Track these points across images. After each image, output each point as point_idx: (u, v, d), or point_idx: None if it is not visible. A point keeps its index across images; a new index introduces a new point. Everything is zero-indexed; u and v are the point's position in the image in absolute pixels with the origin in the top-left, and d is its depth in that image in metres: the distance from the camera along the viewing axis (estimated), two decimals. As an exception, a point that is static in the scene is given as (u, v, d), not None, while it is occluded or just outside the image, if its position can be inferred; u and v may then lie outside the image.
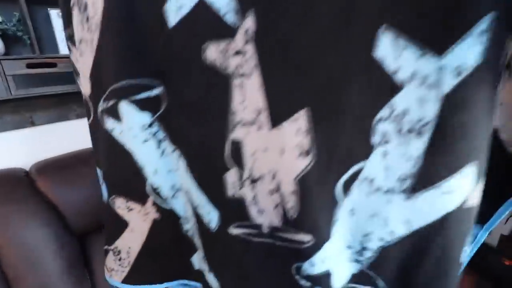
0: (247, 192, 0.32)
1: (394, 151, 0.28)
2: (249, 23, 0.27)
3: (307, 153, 0.28)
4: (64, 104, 1.24)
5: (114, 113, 0.37)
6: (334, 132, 0.28)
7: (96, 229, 1.16)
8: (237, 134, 0.30)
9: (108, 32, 0.34)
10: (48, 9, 1.11)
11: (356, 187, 0.30)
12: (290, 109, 0.27)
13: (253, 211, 0.33)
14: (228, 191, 0.33)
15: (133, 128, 0.37)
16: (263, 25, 0.26)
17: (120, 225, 0.44)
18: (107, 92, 0.36)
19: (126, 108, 0.36)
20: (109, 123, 0.39)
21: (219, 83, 0.29)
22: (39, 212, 1.00)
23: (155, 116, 0.36)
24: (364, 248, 0.33)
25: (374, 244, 0.32)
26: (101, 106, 0.39)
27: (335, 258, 0.33)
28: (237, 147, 0.30)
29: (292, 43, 0.26)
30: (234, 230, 0.35)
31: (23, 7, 1.04)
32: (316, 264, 0.33)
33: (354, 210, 0.31)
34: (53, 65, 1.09)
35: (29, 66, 1.04)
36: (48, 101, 1.20)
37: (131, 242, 0.45)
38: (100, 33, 0.35)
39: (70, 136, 1.26)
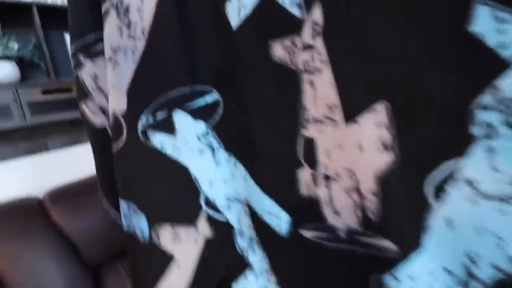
0: (321, 191, 0.30)
1: (504, 147, 0.22)
2: (316, 15, 0.25)
3: (388, 148, 0.25)
4: (78, 128, 1.22)
5: (165, 125, 0.35)
6: (419, 123, 0.24)
7: (109, 261, 1.10)
8: (309, 131, 0.28)
9: (161, 39, 0.33)
10: (64, 33, 1.10)
11: (453, 190, 0.24)
12: (366, 102, 0.25)
13: (328, 212, 0.30)
14: (301, 189, 0.31)
15: (189, 139, 0.35)
16: (331, 16, 0.25)
17: (163, 263, 0.39)
18: (155, 104, 0.35)
19: (181, 118, 0.34)
20: (158, 139, 0.35)
21: (289, 80, 0.28)
22: (53, 245, 0.95)
23: (210, 123, 0.34)
24: (471, 276, 0.26)
25: (485, 273, 0.25)
26: (145, 121, 0.35)
27: (427, 279, 0.27)
28: (309, 144, 0.29)
29: (366, 32, 0.24)
30: (307, 233, 0.32)
31: (39, 33, 1.03)
32: (402, 281, 0.27)
33: (452, 220, 0.25)
34: (69, 90, 1.07)
35: (44, 92, 1.01)
36: (63, 126, 1.17)
37: (176, 281, 0.39)
38: (149, 40, 0.33)
39: (85, 160, 1.22)
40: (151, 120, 0.35)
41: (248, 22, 0.28)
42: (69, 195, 1.06)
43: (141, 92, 0.36)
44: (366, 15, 0.24)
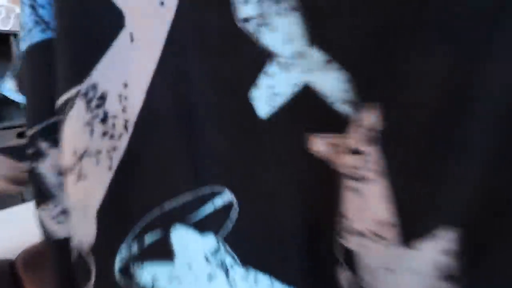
0: None
1: None
2: (371, 119, 0.23)
3: (454, 279, 0.23)
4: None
5: (159, 250, 0.29)
6: (497, 257, 0.22)
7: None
8: (349, 242, 0.26)
9: (153, 134, 0.28)
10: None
11: None
12: (429, 226, 0.23)
13: None
14: (343, 285, 0.29)
15: (193, 262, 0.29)
16: (393, 124, 0.23)
17: None
18: (143, 224, 0.29)
19: (181, 235, 0.29)
20: (147, 274, 0.29)
21: (327, 179, 0.26)
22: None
23: (222, 233, 0.30)
24: None
25: None
26: (127, 252, 0.29)
27: None
28: (349, 255, 0.27)
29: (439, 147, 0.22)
30: None
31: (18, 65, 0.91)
32: None
33: None
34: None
35: (20, 135, 0.88)
36: (42, 172, 1.04)
37: None
38: (135, 136, 0.28)
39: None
40: (136, 249, 0.29)
41: (283, 112, 0.26)
42: (46, 256, 0.91)
43: (121, 212, 0.29)
44: (435, 126, 0.22)
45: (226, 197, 0.30)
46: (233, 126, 0.28)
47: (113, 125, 0.27)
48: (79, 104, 0.27)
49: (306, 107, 0.26)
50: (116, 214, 0.30)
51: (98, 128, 0.27)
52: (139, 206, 0.29)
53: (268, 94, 0.26)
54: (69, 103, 0.27)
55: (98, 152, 0.28)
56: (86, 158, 0.28)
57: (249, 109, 0.27)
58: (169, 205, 0.29)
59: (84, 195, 0.29)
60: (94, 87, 0.27)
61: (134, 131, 0.28)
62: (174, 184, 0.29)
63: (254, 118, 0.27)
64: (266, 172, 0.29)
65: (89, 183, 0.29)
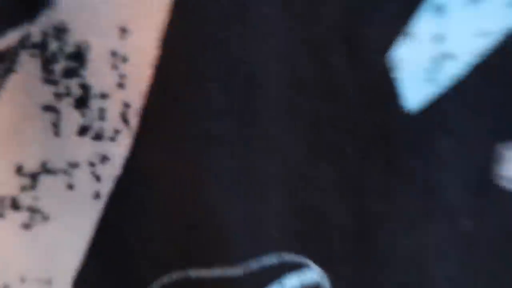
0: None
1: None
2: None
3: None
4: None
5: None
6: None
7: None
8: None
9: (181, 130, 0.18)
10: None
11: None
12: None
13: None
14: None
15: None
16: None
17: None
18: (158, 285, 0.20)
19: None
20: None
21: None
22: None
23: None
24: None
25: None
26: None
27: None
28: None
29: None
30: None
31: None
32: None
33: None
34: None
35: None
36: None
37: None
38: (141, 138, 0.18)
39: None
40: None
41: (456, 96, 0.17)
42: None
43: (119, 273, 0.20)
44: None
45: (310, 275, 0.21)
46: (338, 129, 0.19)
47: (101, 112, 0.17)
48: (27, 64, 0.15)
49: (503, 86, 0.18)
50: (110, 279, 0.20)
51: (71, 117, 0.16)
52: (150, 262, 0.20)
53: (430, 57, 0.17)
54: (3, 59, 0.15)
55: (72, 166, 0.17)
56: (45, 178, 0.17)
57: (382, 89, 0.18)
58: (198, 273, 0.19)
59: (46, 253, 0.18)
60: (59, 31, 0.15)
61: (141, 125, 0.18)
62: (210, 241, 0.20)
63: (394, 112, 0.18)
64: (403, 233, 0.20)
65: (55, 229, 0.18)
